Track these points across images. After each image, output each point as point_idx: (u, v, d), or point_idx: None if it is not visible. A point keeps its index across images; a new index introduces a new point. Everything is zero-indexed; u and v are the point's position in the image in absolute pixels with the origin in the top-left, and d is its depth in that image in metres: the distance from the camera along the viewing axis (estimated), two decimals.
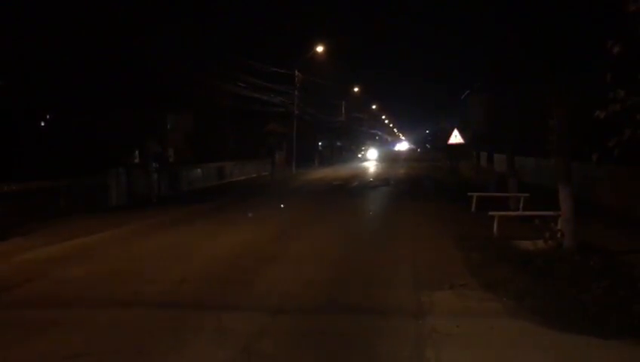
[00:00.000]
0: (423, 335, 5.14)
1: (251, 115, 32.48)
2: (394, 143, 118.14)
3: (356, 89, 58.79)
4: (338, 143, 64.48)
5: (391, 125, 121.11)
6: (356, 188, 23.28)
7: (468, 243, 9.29)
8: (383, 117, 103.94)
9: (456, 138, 26.31)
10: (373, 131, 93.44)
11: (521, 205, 12.78)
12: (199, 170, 24.43)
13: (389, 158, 61.34)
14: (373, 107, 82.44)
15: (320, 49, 35.81)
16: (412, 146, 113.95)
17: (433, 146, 67.18)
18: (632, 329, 5.00)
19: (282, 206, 16.05)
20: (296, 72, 34.94)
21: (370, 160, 55.73)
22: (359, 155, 61.42)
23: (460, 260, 8.24)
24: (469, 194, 14.37)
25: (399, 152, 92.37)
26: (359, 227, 12.27)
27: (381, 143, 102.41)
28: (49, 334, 5.32)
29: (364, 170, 37.60)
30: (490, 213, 10.29)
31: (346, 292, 6.74)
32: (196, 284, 7.16)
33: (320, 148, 55.20)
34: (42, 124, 22.52)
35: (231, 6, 30.58)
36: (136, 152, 23.27)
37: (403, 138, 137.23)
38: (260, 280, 7.34)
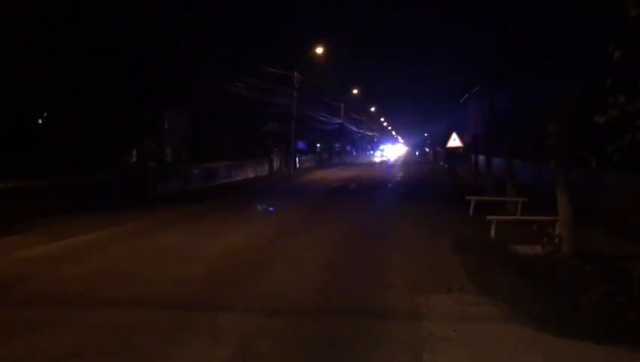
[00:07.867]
0: (419, 339, 5.11)
1: (250, 115, 32.47)
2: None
3: (355, 91, 58.76)
4: (336, 145, 64.56)
5: (389, 128, 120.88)
6: (354, 190, 23.24)
7: (465, 247, 9.26)
8: (382, 119, 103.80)
9: (454, 141, 26.33)
10: (370, 133, 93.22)
11: (520, 209, 12.76)
12: (196, 171, 24.32)
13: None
14: (372, 109, 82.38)
15: (319, 50, 35.75)
16: (409, 149, 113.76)
17: (432, 150, 67.25)
18: (629, 335, 4.98)
19: (279, 207, 15.99)
20: (295, 73, 34.89)
21: None
22: None
23: (458, 264, 8.21)
24: (467, 198, 14.34)
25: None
26: (357, 230, 12.23)
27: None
28: (45, 333, 5.26)
29: (365, 172, 37.55)
30: (488, 218, 10.27)
31: (342, 295, 6.70)
32: (194, 285, 7.11)
33: (318, 149, 55.30)
34: (39, 122, 22.47)
35: (231, 5, 30.51)
36: (134, 151, 23.20)
37: (401, 140, 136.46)
38: (256, 282, 7.30)
